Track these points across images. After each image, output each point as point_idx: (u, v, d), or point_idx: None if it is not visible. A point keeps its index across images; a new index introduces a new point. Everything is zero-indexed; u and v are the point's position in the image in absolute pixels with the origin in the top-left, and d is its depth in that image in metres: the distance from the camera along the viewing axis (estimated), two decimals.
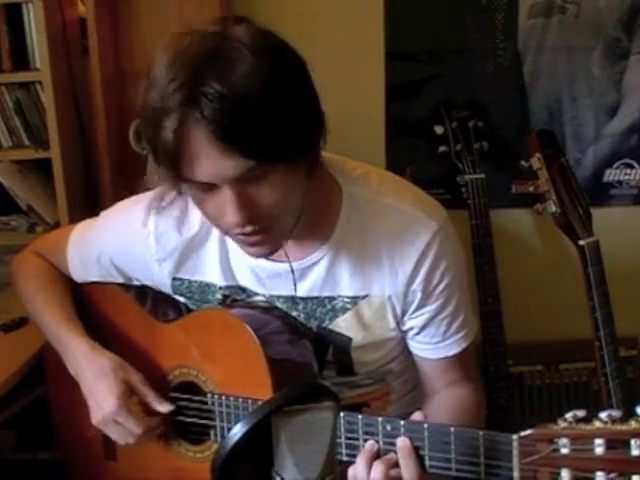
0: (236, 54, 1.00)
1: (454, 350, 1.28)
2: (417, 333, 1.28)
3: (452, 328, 1.27)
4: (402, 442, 1.04)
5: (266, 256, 1.17)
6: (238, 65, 0.99)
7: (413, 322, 1.26)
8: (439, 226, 1.21)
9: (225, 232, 1.14)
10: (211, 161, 1.01)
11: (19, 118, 2.18)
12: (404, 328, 1.28)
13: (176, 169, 1.02)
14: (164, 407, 1.28)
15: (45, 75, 2.11)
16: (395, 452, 1.05)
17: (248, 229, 1.07)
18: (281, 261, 1.23)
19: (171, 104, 0.99)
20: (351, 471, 1.08)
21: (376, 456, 1.06)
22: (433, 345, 1.28)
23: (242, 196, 1.04)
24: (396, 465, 1.05)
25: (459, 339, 1.28)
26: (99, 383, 1.28)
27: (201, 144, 1.00)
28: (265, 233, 1.10)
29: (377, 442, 1.07)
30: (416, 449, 1.04)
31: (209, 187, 1.05)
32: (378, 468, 1.05)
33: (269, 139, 1.00)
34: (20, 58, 2.13)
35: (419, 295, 1.23)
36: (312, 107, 1.07)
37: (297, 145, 1.05)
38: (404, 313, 1.25)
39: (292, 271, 1.23)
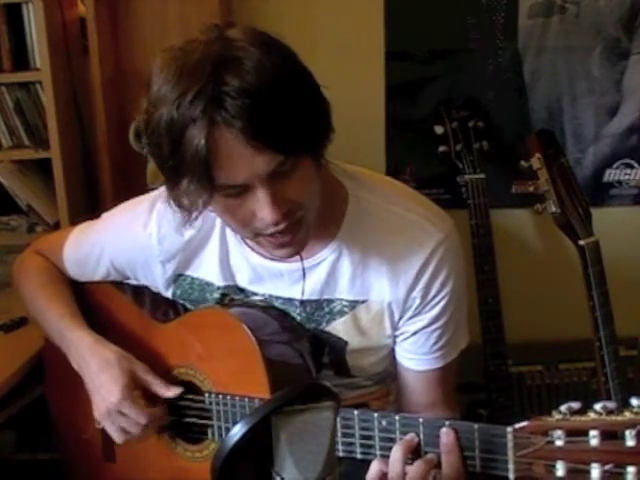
0: (242, 52, 1.01)
1: (439, 363, 1.28)
2: (406, 338, 1.27)
3: (441, 341, 1.26)
4: (446, 435, 1.02)
5: (293, 256, 1.18)
6: (248, 61, 1.00)
7: (406, 328, 1.26)
8: (444, 236, 1.22)
9: (255, 236, 1.13)
10: (244, 160, 1.01)
11: (19, 118, 2.18)
12: (396, 333, 1.27)
13: (209, 177, 1.01)
14: (172, 391, 1.28)
15: (45, 75, 2.10)
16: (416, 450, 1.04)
17: (281, 226, 1.08)
18: (285, 261, 1.23)
19: (193, 112, 0.98)
20: (376, 465, 1.07)
21: (414, 450, 1.05)
22: (419, 356, 1.28)
23: (275, 193, 1.05)
24: (437, 466, 1.03)
25: (445, 353, 1.28)
26: (103, 375, 1.28)
27: (232, 145, 1.00)
28: (295, 230, 1.11)
29: (417, 435, 1.05)
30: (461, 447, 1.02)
31: (241, 192, 1.05)
32: (417, 466, 1.03)
33: (294, 130, 1.02)
34: (20, 58, 2.13)
35: (417, 302, 1.23)
36: (321, 94, 1.08)
37: (317, 135, 1.07)
38: (400, 319, 1.25)
39: (303, 270, 1.23)
